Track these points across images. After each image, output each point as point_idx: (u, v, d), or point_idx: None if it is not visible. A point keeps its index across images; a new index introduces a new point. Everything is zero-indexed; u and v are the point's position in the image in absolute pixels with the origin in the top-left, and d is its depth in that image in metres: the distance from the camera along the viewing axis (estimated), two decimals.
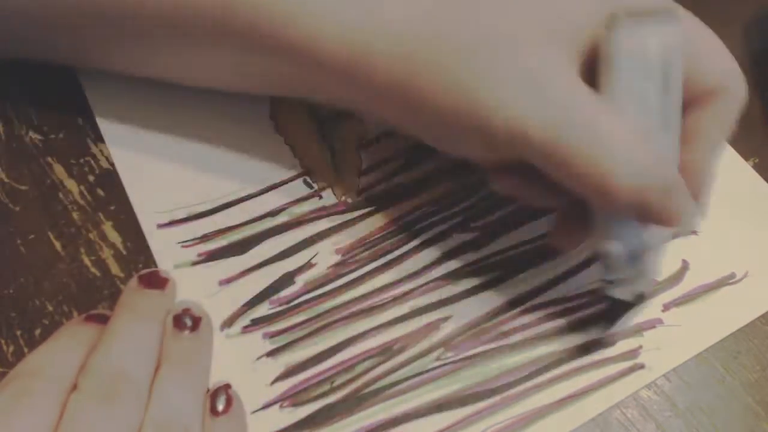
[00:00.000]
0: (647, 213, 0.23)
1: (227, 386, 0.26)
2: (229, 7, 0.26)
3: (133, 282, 0.27)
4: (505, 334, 0.29)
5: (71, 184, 0.31)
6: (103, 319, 0.26)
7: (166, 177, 0.32)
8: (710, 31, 0.27)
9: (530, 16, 0.24)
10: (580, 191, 0.24)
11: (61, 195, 0.31)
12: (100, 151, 0.32)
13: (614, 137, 0.23)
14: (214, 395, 0.26)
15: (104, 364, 0.24)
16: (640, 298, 0.27)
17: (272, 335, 0.28)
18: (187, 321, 0.26)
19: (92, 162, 0.32)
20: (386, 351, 0.28)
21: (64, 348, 0.24)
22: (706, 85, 0.26)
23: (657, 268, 0.26)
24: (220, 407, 0.25)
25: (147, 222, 0.30)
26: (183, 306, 0.27)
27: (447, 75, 0.24)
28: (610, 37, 0.23)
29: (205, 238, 0.30)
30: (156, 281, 0.27)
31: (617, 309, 0.28)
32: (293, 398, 0.27)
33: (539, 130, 0.23)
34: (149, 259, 0.30)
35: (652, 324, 0.29)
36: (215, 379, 0.27)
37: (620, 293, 0.27)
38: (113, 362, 0.24)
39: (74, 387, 0.23)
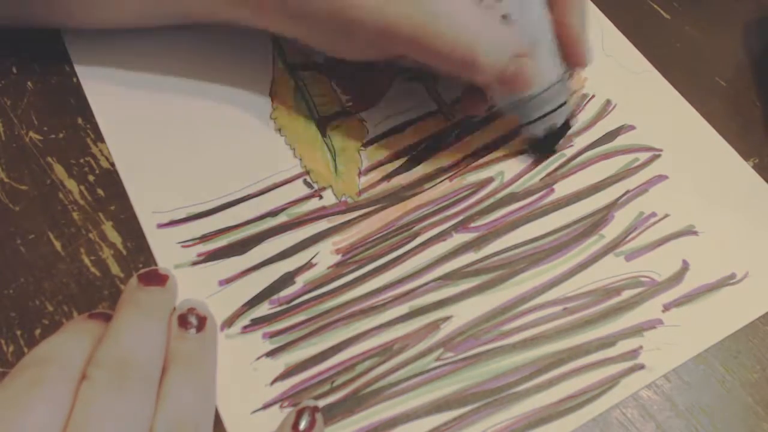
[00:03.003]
0: (509, 82, 0.29)
1: (315, 408, 0.27)
2: None
3: (134, 280, 0.27)
4: (505, 334, 0.29)
5: (71, 184, 0.31)
6: (107, 317, 0.26)
7: (166, 177, 0.32)
8: None
9: None
10: (452, 72, 0.29)
11: (61, 195, 0.31)
12: (100, 151, 0.32)
13: (470, 24, 0.28)
14: (299, 413, 0.26)
15: (113, 354, 0.24)
16: (554, 130, 0.32)
17: (272, 335, 0.29)
18: (193, 320, 0.26)
19: (92, 162, 0.32)
20: (386, 351, 0.28)
21: (72, 339, 0.25)
22: None
23: (562, 99, 0.31)
24: (302, 427, 0.26)
25: (147, 222, 0.30)
26: (188, 306, 0.27)
27: None
28: None
29: (205, 238, 0.30)
30: (156, 278, 0.27)
31: (539, 145, 0.33)
32: (293, 398, 0.27)
33: (408, 27, 0.27)
34: (149, 259, 0.30)
35: (652, 324, 0.29)
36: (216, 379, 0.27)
37: (536, 130, 0.32)
38: (121, 352, 0.24)
39: (84, 377, 0.23)
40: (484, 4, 0.28)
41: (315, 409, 0.26)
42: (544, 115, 0.31)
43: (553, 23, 0.30)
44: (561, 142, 0.33)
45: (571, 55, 0.30)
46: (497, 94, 0.31)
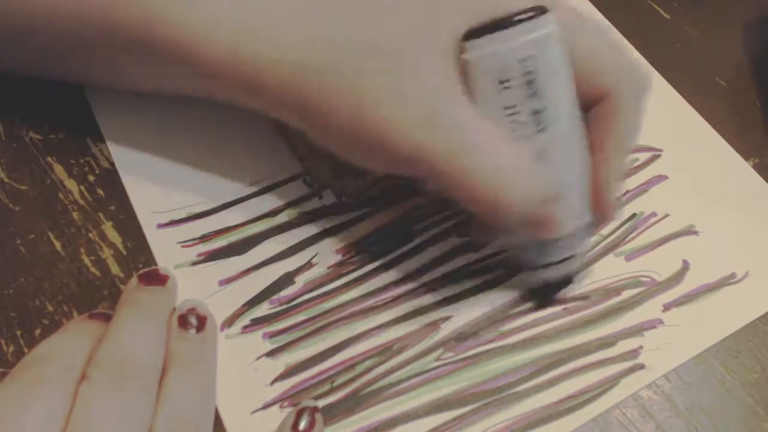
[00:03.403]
0: (533, 227, 0.26)
1: (315, 408, 0.26)
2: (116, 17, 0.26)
3: (134, 280, 0.27)
4: (505, 334, 0.29)
5: (71, 184, 0.31)
6: (107, 317, 0.26)
7: (166, 177, 0.32)
8: (601, 25, 0.26)
9: (419, 24, 0.24)
10: (474, 210, 0.26)
11: (61, 195, 0.31)
12: (100, 151, 0.32)
13: (504, 163, 0.24)
14: (299, 413, 0.26)
15: (112, 354, 0.24)
16: (566, 278, 0.29)
17: (272, 335, 0.29)
18: (193, 320, 0.26)
19: (92, 162, 0.32)
20: (386, 351, 0.28)
21: (71, 339, 0.25)
22: (600, 86, 0.26)
23: (583, 247, 0.28)
24: (302, 427, 0.26)
25: (147, 222, 0.30)
26: (188, 306, 0.27)
27: (342, 84, 0.24)
28: (464, 50, 0.24)
29: (205, 238, 0.30)
30: (156, 278, 0.27)
31: (542, 291, 0.30)
32: (293, 398, 0.27)
33: (437, 156, 0.24)
34: (149, 259, 0.30)
35: (652, 324, 0.29)
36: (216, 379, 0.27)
37: (546, 275, 0.28)
38: (121, 352, 0.24)
39: (83, 377, 0.23)
40: (520, 133, 0.24)
41: (315, 409, 0.26)
42: (559, 262, 0.27)
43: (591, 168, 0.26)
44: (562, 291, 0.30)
45: (597, 208, 0.26)
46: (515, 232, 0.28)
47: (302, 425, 0.26)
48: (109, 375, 0.23)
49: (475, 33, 0.24)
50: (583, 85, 0.25)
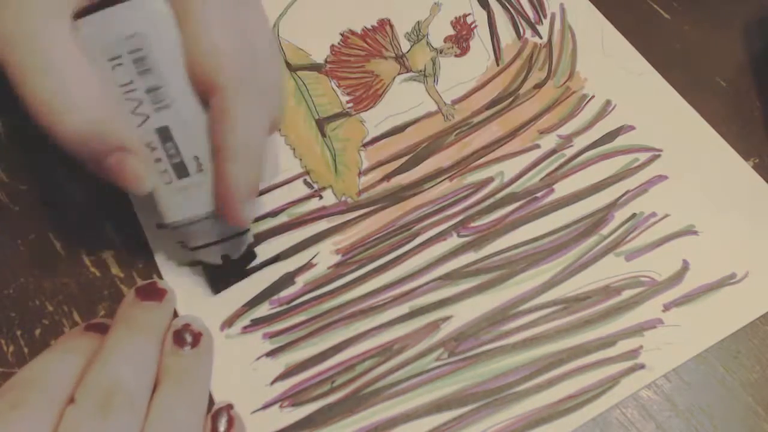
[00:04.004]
0: (100, 165, 0.24)
1: (229, 407, 0.26)
2: None
3: (131, 295, 0.27)
4: (505, 334, 0.29)
5: (71, 184, 0.31)
6: (103, 329, 0.26)
7: None
8: (219, 16, 0.24)
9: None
10: (36, 120, 0.23)
11: (61, 195, 0.31)
12: None
13: (74, 83, 0.23)
14: (215, 416, 0.26)
15: (101, 378, 0.23)
16: (227, 260, 0.28)
17: (272, 335, 0.29)
18: (187, 337, 0.26)
19: None
20: (386, 351, 0.28)
21: (61, 359, 0.24)
22: (205, 79, 0.24)
23: (217, 235, 0.28)
24: (222, 429, 0.25)
25: (147, 222, 0.30)
26: (183, 321, 0.27)
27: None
28: (77, 27, 0.24)
29: None
30: (153, 293, 0.27)
31: (214, 273, 0.29)
32: (293, 398, 0.27)
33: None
34: (149, 259, 0.30)
35: (652, 324, 0.29)
36: (215, 379, 0.27)
37: (208, 257, 0.28)
38: (110, 376, 0.23)
39: (71, 400, 0.23)
40: (141, 110, 0.24)
41: (229, 407, 0.26)
42: (207, 245, 0.28)
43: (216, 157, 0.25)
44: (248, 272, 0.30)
45: (220, 204, 0.26)
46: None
47: (221, 427, 0.25)
48: (95, 401, 0.23)
49: (86, 11, 0.24)
50: (191, 73, 0.24)
